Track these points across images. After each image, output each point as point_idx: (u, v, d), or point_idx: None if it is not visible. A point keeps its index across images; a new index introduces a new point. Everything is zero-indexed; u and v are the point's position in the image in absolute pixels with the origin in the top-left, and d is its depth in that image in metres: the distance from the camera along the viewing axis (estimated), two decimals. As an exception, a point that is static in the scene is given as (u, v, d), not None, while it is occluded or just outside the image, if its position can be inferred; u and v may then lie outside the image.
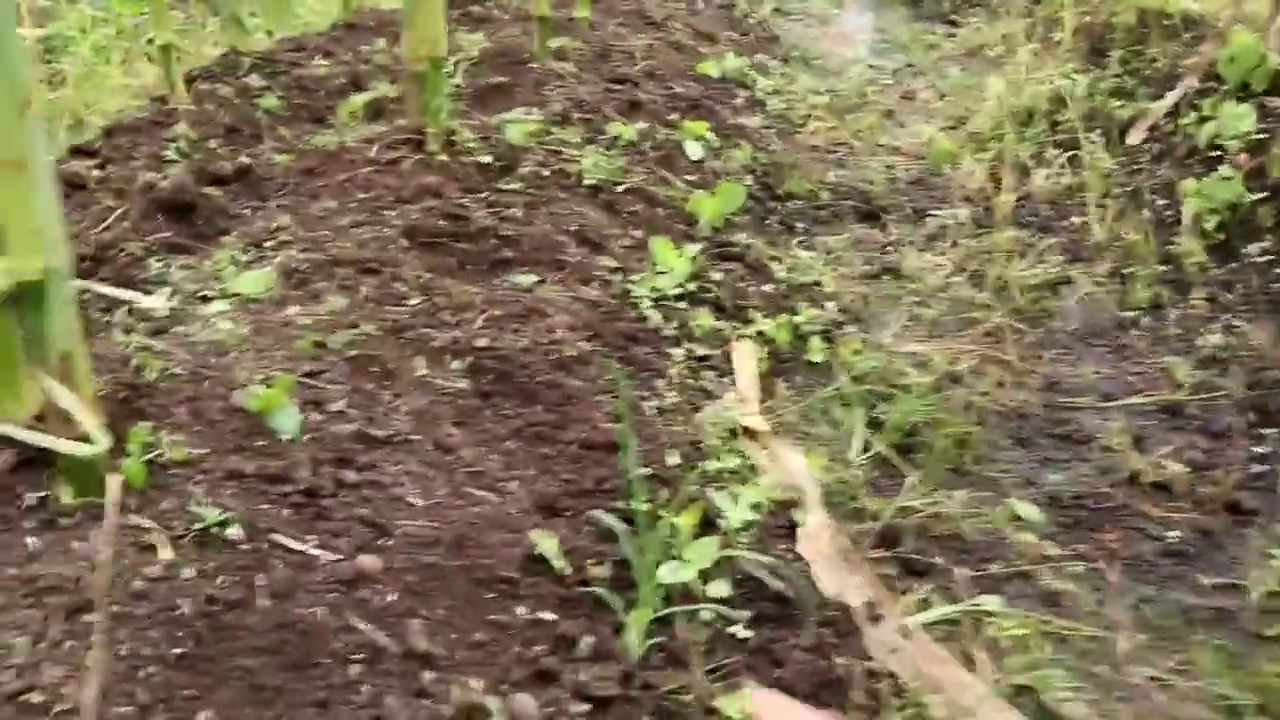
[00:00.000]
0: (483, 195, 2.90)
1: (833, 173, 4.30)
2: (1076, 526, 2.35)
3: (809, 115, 5.11)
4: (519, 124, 3.19)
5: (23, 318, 1.57)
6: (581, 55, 4.50)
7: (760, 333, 2.81)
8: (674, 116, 4.15)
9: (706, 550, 1.86)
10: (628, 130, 3.69)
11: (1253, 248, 3.30)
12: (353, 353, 2.17)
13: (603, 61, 4.52)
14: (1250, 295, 3.15)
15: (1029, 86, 4.89)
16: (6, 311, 1.63)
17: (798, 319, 2.91)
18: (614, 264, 2.82)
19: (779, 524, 2.17)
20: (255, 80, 4.26)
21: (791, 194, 4.03)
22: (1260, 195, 3.41)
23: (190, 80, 4.19)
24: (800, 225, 3.83)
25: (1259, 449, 2.53)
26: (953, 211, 3.82)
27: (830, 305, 3.19)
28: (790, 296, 3.20)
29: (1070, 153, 4.20)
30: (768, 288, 3.19)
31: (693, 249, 2.91)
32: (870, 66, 6.34)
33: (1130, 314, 3.20)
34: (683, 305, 2.82)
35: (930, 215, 3.90)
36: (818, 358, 2.82)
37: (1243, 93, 4.04)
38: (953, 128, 4.88)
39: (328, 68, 4.56)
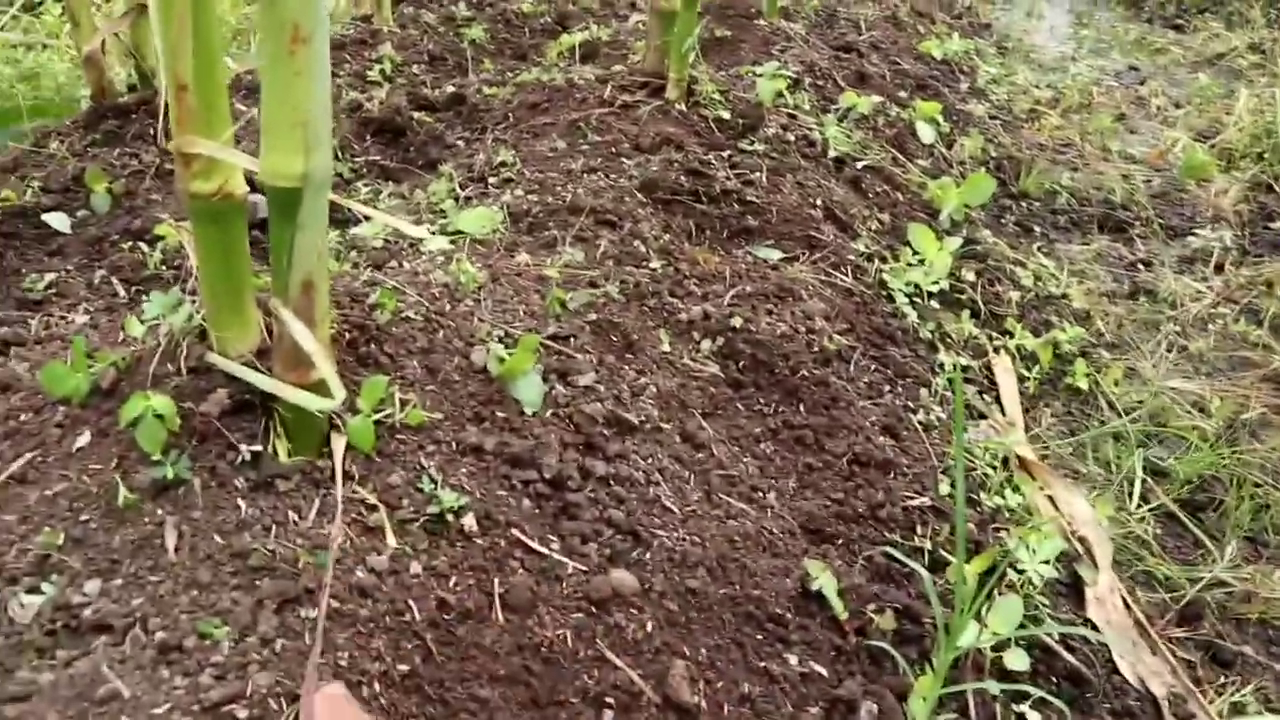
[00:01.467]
0: (725, 154, 2.58)
1: (1067, 175, 3.88)
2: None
3: (1033, 110, 4.68)
4: (770, 79, 2.85)
5: (266, 230, 1.31)
6: (808, 18, 4.15)
7: (1020, 347, 2.45)
8: (903, 94, 3.79)
9: (1012, 614, 1.53)
10: (862, 102, 3.34)
11: None
12: (593, 316, 1.88)
13: (828, 27, 4.18)
14: None
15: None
16: (244, 222, 1.37)
17: (1061, 337, 2.54)
18: (865, 249, 2.49)
19: (1062, 581, 1.83)
20: (461, 10, 4.01)
21: (1027, 193, 3.64)
22: None
23: (395, 3, 3.96)
24: (1038, 229, 3.44)
25: None
26: (1215, 234, 3.38)
27: (1083, 324, 2.81)
28: (1040, 308, 2.83)
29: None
30: (1016, 295, 2.82)
31: (952, 243, 2.55)
32: (1091, 66, 5.86)
33: None
34: (938, 305, 2.47)
35: (1186, 235, 3.47)
36: (1082, 384, 2.44)
37: None
38: (1197, 140, 4.40)
39: (533, 4, 4.30)
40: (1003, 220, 3.42)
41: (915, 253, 2.50)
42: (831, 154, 2.84)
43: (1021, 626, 1.56)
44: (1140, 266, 3.29)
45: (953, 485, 1.78)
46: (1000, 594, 1.61)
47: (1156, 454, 2.32)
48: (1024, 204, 3.60)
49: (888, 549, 1.59)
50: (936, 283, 2.47)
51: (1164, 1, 7.31)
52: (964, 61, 4.84)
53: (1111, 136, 4.54)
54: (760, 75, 2.89)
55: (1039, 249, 3.27)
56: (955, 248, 2.56)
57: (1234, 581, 1.95)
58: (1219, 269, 3.23)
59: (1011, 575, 1.71)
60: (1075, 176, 3.95)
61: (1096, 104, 5.05)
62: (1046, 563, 1.73)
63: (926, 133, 3.56)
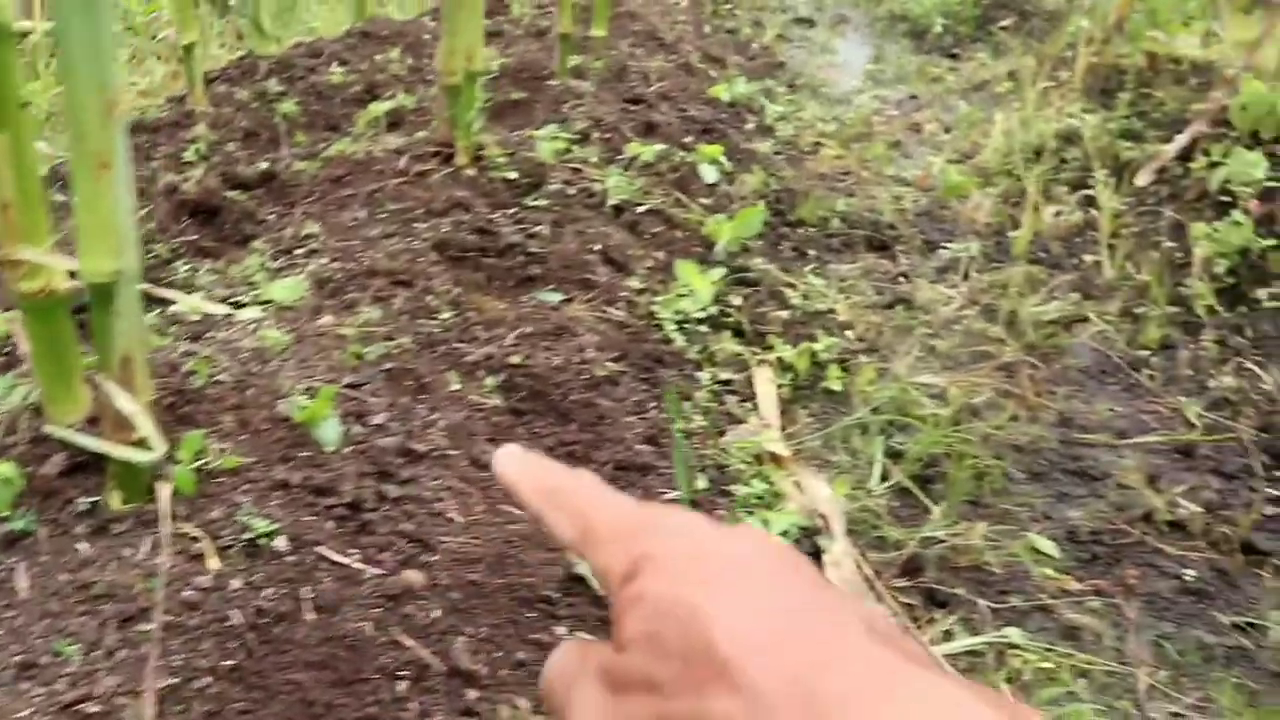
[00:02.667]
0: (511, 211, 2.91)
1: (842, 201, 4.33)
2: (1094, 562, 2.38)
3: (817, 143, 5.15)
4: (549, 140, 3.20)
5: (87, 319, 1.58)
6: (598, 74, 4.52)
7: (780, 359, 2.83)
8: (689, 139, 4.18)
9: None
10: (646, 151, 3.71)
11: (1263, 293, 3.35)
12: (389, 365, 2.18)
13: (619, 81, 4.55)
14: (1260, 339, 3.20)
15: (1037, 124, 4.95)
16: (68, 314, 1.64)
17: (817, 346, 2.94)
18: (639, 285, 2.84)
19: (804, 551, 2.19)
20: (273, 85, 4.26)
21: (803, 221, 4.07)
22: (1271, 242, 3.47)
23: (207, 82, 4.19)
24: (812, 252, 3.86)
25: (1274, 491, 2.57)
26: (964, 245, 3.85)
27: (845, 334, 3.22)
28: (807, 324, 3.22)
29: (1079, 191, 4.26)
30: (784, 314, 3.21)
31: (715, 273, 2.93)
32: (875, 97, 6.40)
33: (1142, 353, 3.24)
34: (705, 329, 2.84)
35: (941, 248, 3.93)
36: (836, 386, 2.84)
37: (1252, 140, 4.11)
38: (959, 161, 4.92)
39: (343, 75, 4.57)
40: (780, 247, 3.83)
41: (684, 285, 2.87)
42: (611, 202, 3.19)
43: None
44: (902, 279, 3.73)
45: (679, 477, 2.12)
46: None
47: (898, 440, 2.72)
48: (801, 231, 4.01)
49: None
50: (704, 309, 2.83)
51: (942, 33, 7.96)
52: (752, 102, 5.28)
53: (887, 163, 5.03)
54: (540, 137, 3.24)
55: (812, 271, 3.68)
56: (719, 277, 2.94)
57: (949, 538, 2.34)
58: (965, 276, 3.69)
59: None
60: (850, 202, 4.40)
61: (875, 133, 5.56)
62: (784, 534, 2.09)
63: (709, 173, 3.96)
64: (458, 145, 2.99)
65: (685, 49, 5.78)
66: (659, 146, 3.83)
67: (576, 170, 3.38)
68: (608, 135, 3.81)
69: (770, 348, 2.90)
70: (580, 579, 1.82)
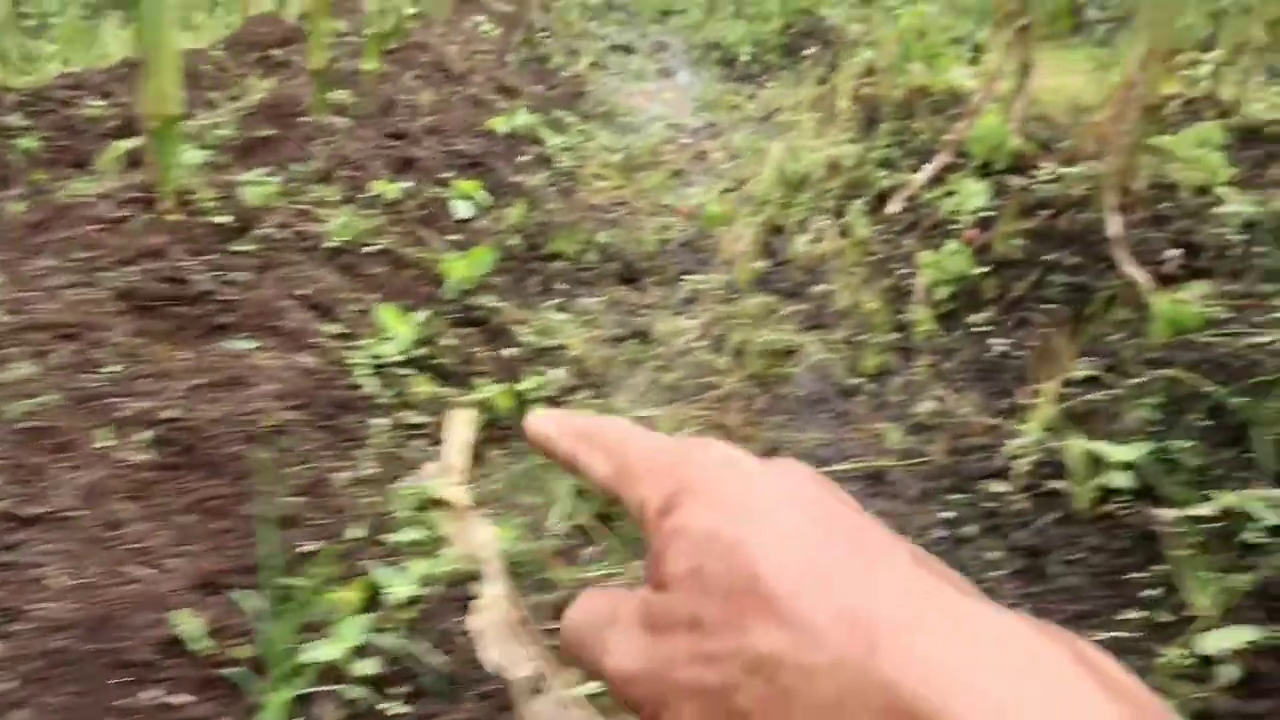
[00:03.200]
0: (211, 258, 2.88)
1: (605, 233, 4.39)
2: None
3: (597, 174, 5.21)
4: (257, 185, 3.18)
5: None
6: (362, 109, 4.51)
7: (482, 400, 2.85)
8: (448, 174, 4.20)
9: (353, 628, 1.88)
10: (391, 188, 3.72)
11: (975, 318, 3.49)
12: (28, 424, 2.14)
13: (384, 116, 4.55)
14: (966, 364, 3.33)
15: (805, 154, 5.10)
16: None
17: (524, 385, 2.96)
18: (339, 330, 2.84)
19: (458, 597, 2.20)
20: (16, 119, 4.15)
21: (557, 254, 4.11)
22: (986, 269, 3.62)
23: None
24: (561, 286, 3.90)
25: (944, 514, 2.67)
26: (706, 277, 3.94)
27: (568, 369, 3.26)
28: (532, 361, 3.25)
29: (837, 220, 4.40)
30: (509, 352, 3.24)
31: (422, 315, 2.94)
32: (672, 125, 6.51)
33: (858, 381, 3.35)
34: (408, 371, 2.84)
35: (689, 278, 4.01)
36: (541, 425, 2.86)
37: (985, 169, 4.29)
38: (732, 190, 5.04)
39: (102, 109, 4.48)
40: (526, 282, 3.86)
41: (387, 328, 2.87)
42: (330, 244, 3.19)
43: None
44: (645, 311, 3.79)
45: (268, 527, 2.12)
46: (366, 613, 1.96)
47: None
48: (553, 264, 4.06)
49: (234, 592, 1.92)
50: (404, 352, 2.84)
51: (750, 62, 8.14)
52: (534, 134, 5.32)
53: (665, 192, 5.12)
54: (249, 181, 3.22)
55: (555, 306, 3.72)
56: (425, 318, 2.95)
57: (612, 574, 2.38)
58: (705, 308, 3.77)
59: (398, 593, 2.06)
60: (613, 233, 4.46)
61: (662, 161, 5.66)
62: (420, 583, 2.10)
63: (462, 209, 3.98)
64: (162, 189, 2.95)
65: (476, 80, 5.81)
66: (406, 184, 3.83)
67: (303, 212, 3.36)
68: (353, 173, 3.80)
69: (476, 389, 2.91)
70: (179, 641, 1.81)
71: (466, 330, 3.24)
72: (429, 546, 2.28)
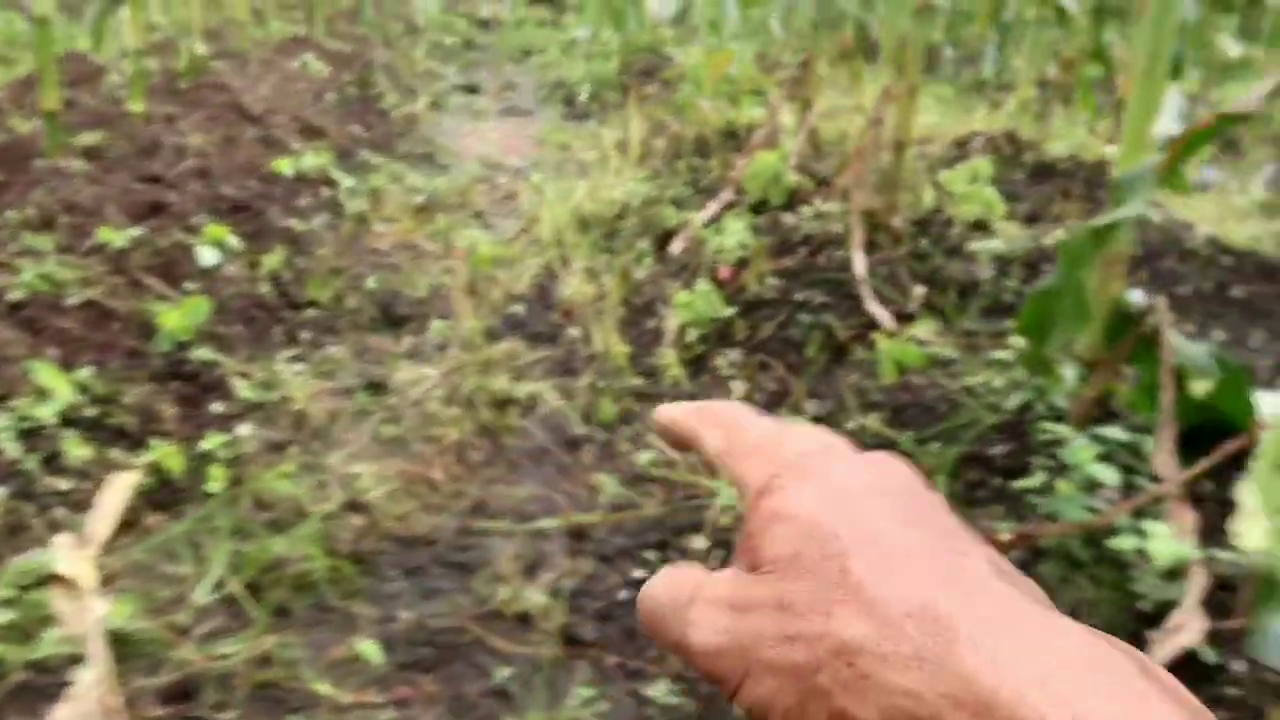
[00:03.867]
0: None
1: (375, 278, 4.21)
2: (413, 667, 2.26)
3: (390, 216, 5.04)
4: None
5: None
6: (119, 153, 4.30)
7: (152, 463, 2.65)
8: (202, 219, 3.99)
9: None
10: (118, 236, 3.51)
11: (722, 360, 3.37)
12: None
13: (144, 159, 4.33)
14: (704, 410, 3.19)
15: (602, 193, 4.98)
16: None
17: (205, 444, 2.77)
18: (-6, 389, 2.62)
19: (56, 684, 2.00)
20: None
21: (313, 302, 3.92)
22: (736, 309, 3.51)
23: None
24: (307, 335, 3.71)
25: (637, 573, 2.52)
26: (462, 322, 3.77)
27: (283, 423, 3.07)
28: (242, 416, 3.06)
29: (618, 261, 4.28)
30: (216, 407, 3.04)
31: (87, 371, 2.74)
32: (492, 166, 6.37)
33: (591, 430, 3.20)
34: (70, 433, 2.63)
35: (440, 324, 3.84)
36: (215, 487, 2.67)
37: (760, 207, 4.20)
38: (525, 231, 4.89)
39: None
40: (269, 333, 3.66)
41: (43, 388, 2.66)
42: (10, 298, 2.97)
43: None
44: (392, 360, 3.61)
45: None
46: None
47: (253, 541, 2.55)
48: (306, 312, 3.86)
49: None
50: (63, 414, 2.63)
51: (589, 100, 8.06)
52: (324, 175, 5.14)
53: (459, 235, 4.95)
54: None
55: (293, 357, 3.52)
56: (88, 376, 2.75)
57: (252, 651, 2.19)
58: (450, 355, 3.60)
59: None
60: (385, 278, 4.28)
61: (468, 203, 5.50)
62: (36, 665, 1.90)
63: (208, 256, 3.77)
64: None
65: (277, 121, 5.61)
66: (140, 231, 3.63)
67: (4, 264, 3.14)
68: (79, 220, 3.59)
69: (150, 449, 2.71)
70: None
71: (172, 386, 3.03)
72: (28, 628, 2.07)
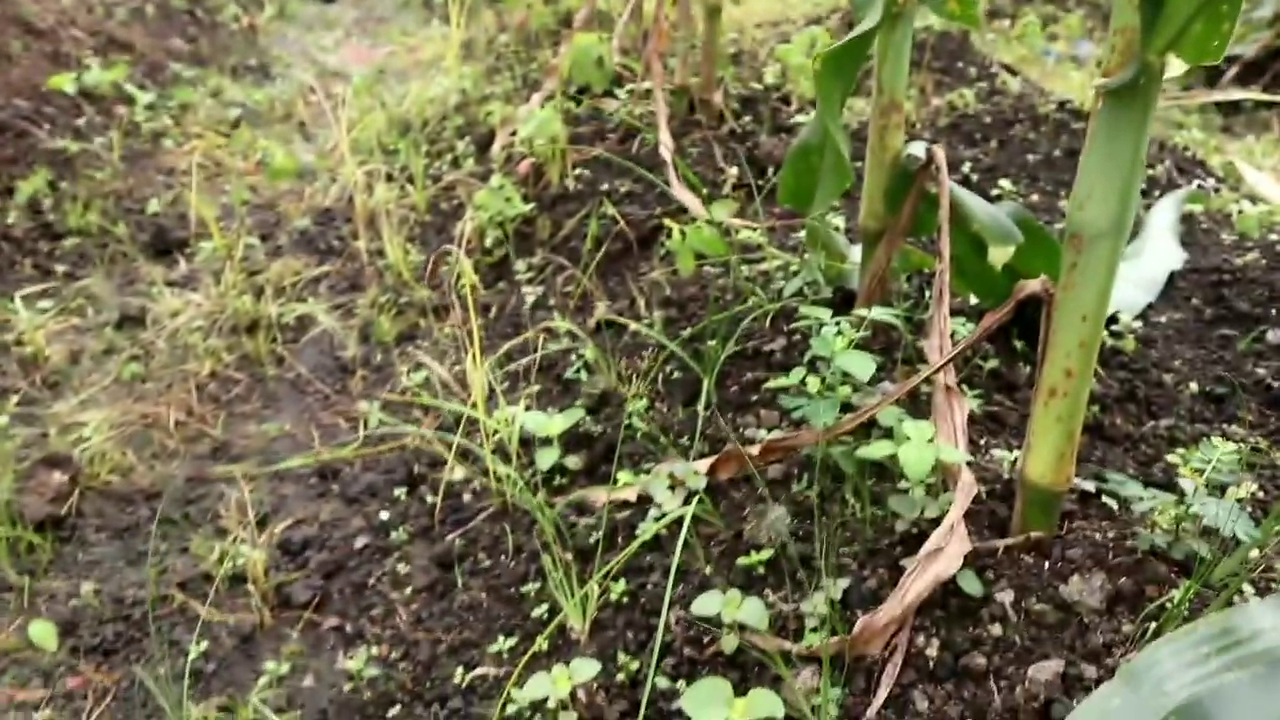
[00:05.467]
0: None
1: (160, 199, 3.76)
2: (94, 651, 1.90)
3: (196, 133, 4.55)
4: None
5: None
6: None
7: None
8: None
9: None
10: None
11: (521, 264, 2.99)
12: None
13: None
14: (496, 321, 2.83)
15: (430, 92, 4.55)
16: None
17: (-120, 401, 2.36)
18: None
19: None
20: None
21: (78, 229, 3.47)
22: (538, 206, 3.13)
23: None
24: (63, 269, 3.27)
25: (382, 515, 2.16)
26: (246, 242, 3.34)
27: (8, 370, 2.66)
28: (-44, 362, 2.64)
29: (434, 164, 3.86)
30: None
31: None
32: (329, 75, 5.87)
33: (368, 350, 2.82)
34: None
35: (212, 246, 3.41)
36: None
37: (580, 95, 3.79)
38: (343, 139, 4.43)
39: None
40: (14, 268, 3.22)
41: None
42: None
43: None
44: (160, 290, 3.17)
45: None
46: None
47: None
48: (66, 241, 3.41)
49: None
50: None
51: (444, 3, 7.51)
52: (119, 93, 4.63)
53: (275, 148, 4.48)
54: None
55: (42, 292, 3.09)
56: None
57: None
58: (220, 278, 3.17)
59: None
60: (167, 200, 3.82)
61: (294, 115, 5.02)
62: None
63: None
64: None
65: (70, 35, 5.06)
66: None
67: None
68: None
69: None
70: None
71: None
72: None
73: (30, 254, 3.31)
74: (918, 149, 1.82)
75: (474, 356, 2.11)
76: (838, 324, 1.60)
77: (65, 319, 2.97)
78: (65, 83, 4.37)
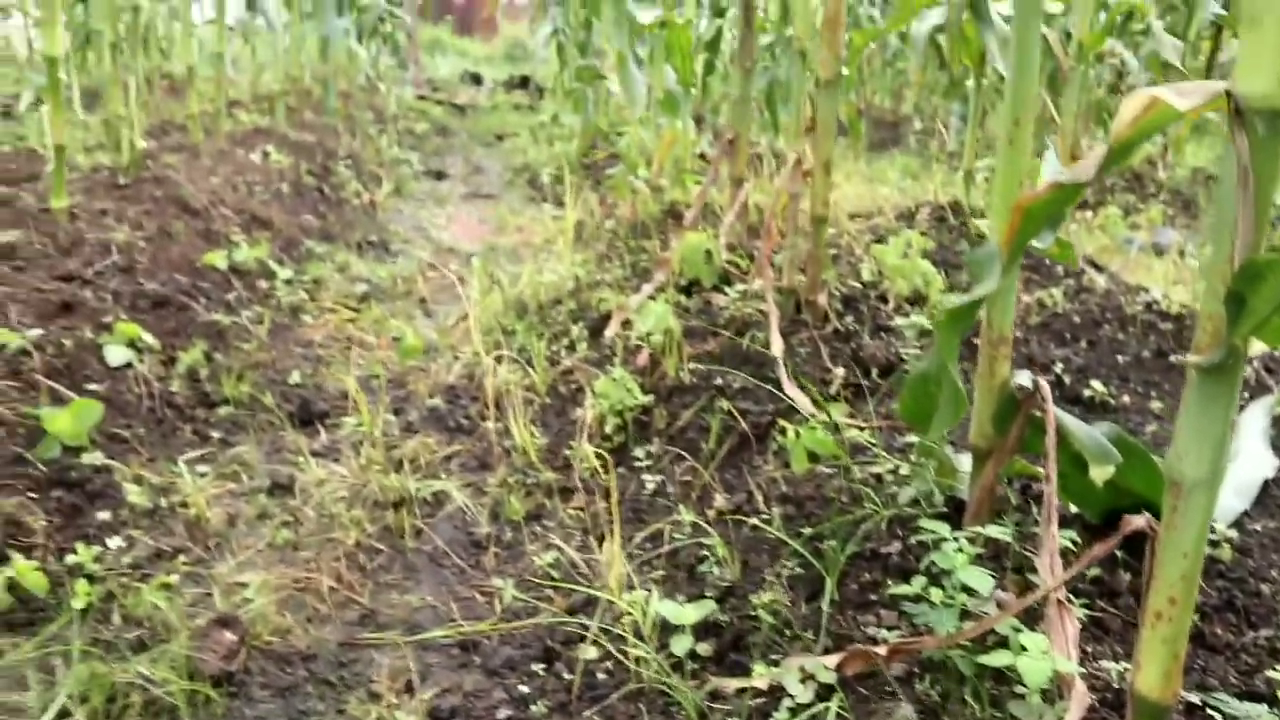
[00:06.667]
0: None
1: (300, 372, 4.09)
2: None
3: (329, 307, 4.94)
4: None
5: None
6: (38, 250, 4.21)
7: (11, 580, 2.50)
8: (118, 317, 3.88)
9: None
10: (13, 337, 3.39)
11: (640, 451, 3.23)
12: None
13: (64, 258, 4.24)
14: (619, 505, 3.05)
15: (541, 277, 4.89)
16: None
17: (75, 557, 2.62)
18: None
19: None
20: None
21: (229, 399, 3.79)
22: (656, 396, 3.38)
23: None
24: (218, 436, 3.57)
25: (521, 688, 2.35)
26: (378, 416, 3.63)
27: (175, 531, 2.93)
28: (127, 525, 2.91)
29: (550, 347, 4.16)
30: (101, 515, 2.90)
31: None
32: (446, 251, 6.29)
33: (499, 529, 3.05)
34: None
35: (348, 420, 3.70)
36: (80, 604, 2.51)
37: (694, 288, 4.09)
38: (465, 318, 4.78)
39: None
40: (177, 432, 3.53)
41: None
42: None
43: None
44: (303, 458, 3.46)
45: None
46: None
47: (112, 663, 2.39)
48: (219, 410, 3.73)
49: None
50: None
51: (552, 183, 8.02)
52: (262, 268, 5.05)
53: (400, 324, 4.84)
54: None
55: (199, 458, 3.38)
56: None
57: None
58: (361, 451, 3.45)
59: None
60: (315, 371, 4.16)
61: (414, 291, 5.40)
62: None
63: (116, 355, 3.65)
64: None
65: (221, 214, 5.54)
66: (37, 332, 3.51)
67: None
68: (-20, 321, 3.48)
69: (8, 564, 2.56)
70: None
71: (53, 494, 2.89)
72: None
73: (190, 420, 3.62)
74: (1024, 378, 2.04)
75: (610, 542, 2.32)
76: (956, 539, 1.80)
77: (222, 484, 3.25)
78: (218, 259, 4.79)
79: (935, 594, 1.77)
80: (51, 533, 2.76)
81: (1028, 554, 2.00)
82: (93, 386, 3.47)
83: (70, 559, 2.65)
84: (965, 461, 2.25)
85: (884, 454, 2.64)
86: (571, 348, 4.19)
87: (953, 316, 1.74)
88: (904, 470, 2.49)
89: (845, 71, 3.27)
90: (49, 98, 4.33)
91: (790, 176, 3.36)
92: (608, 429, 3.37)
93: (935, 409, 2.01)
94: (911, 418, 2.11)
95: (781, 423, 2.88)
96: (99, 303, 3.94)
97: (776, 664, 2.02)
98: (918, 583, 1.84)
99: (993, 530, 1.85)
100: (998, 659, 1.60)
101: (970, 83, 4.85)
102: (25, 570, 2.51)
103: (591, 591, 2.43)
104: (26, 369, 3.35)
